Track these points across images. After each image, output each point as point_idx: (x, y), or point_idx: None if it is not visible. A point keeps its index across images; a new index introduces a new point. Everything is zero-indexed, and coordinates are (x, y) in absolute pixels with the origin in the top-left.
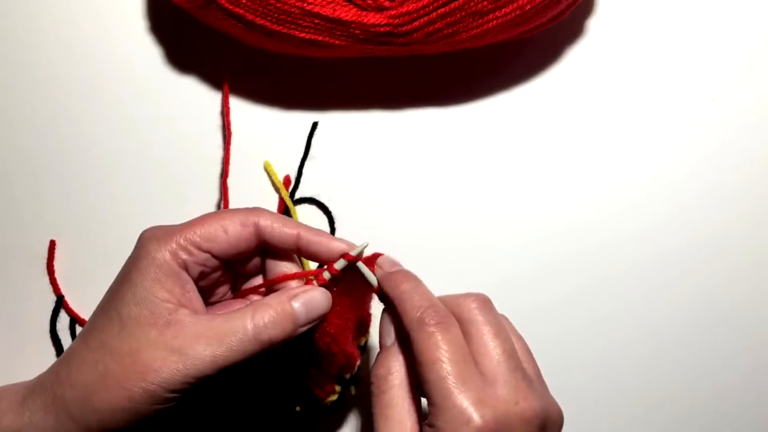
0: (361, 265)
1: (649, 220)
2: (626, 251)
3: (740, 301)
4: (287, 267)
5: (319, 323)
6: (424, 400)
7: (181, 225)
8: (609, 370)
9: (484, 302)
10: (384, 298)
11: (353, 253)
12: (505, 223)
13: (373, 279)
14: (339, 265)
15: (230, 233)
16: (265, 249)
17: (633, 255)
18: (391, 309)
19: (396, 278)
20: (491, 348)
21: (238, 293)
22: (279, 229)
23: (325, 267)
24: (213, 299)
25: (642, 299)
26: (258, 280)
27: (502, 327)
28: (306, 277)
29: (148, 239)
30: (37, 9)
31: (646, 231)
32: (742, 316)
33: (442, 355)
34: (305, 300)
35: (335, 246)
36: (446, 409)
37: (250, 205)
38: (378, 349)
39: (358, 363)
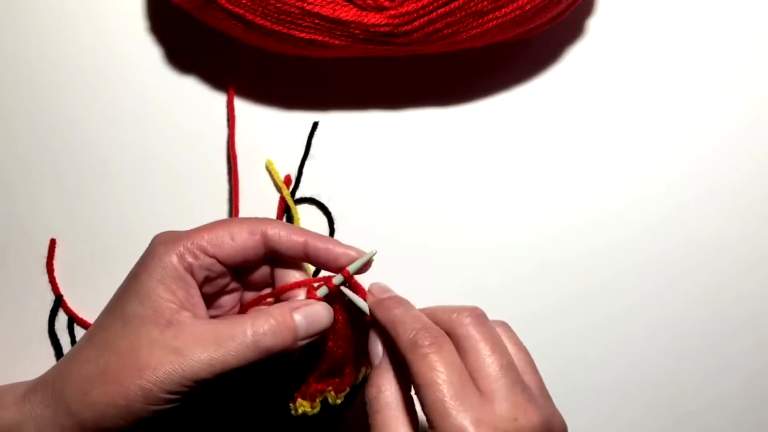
0: (350, 293)
1: (649, 220)
2: (626, 251)
3: (741, 301)
4: (296, 277)
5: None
6: (420, 415)
7: (191, 230)
8: (610, 372)
9: (478, 316)
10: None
11: (358, 263)
12: (505, 223)
13: (363, 305)
14: (337, 280)
15: (237, 240)
16: (273, 259)
17: (633, 255)
18: (380, 330)
19: (387, 304)
20: (488, 364)
21: (244, 306)
22: (287, 237)
23: (324, 281)
24: (218, 311)
25: (642, 299)
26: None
27: (498, 341)
28: (307, 287)
29: (158, 242)
30: (37, 9)
31: (646, 231)
32: (743, 316)
33: (438, 377)
34: (307, 313)
35: (342, 252)
36: (445, 430)
37: (251, 204)
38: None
39: (346, 390)
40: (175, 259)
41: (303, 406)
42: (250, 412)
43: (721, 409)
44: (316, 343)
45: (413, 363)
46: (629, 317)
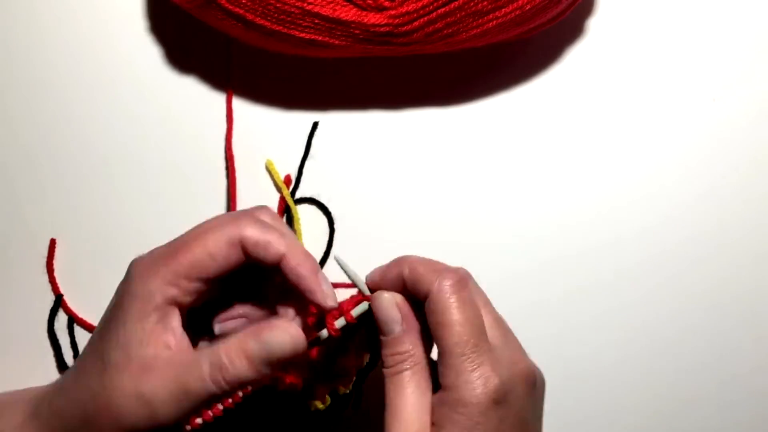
0: (349, 271)
1: (649, 219)
2: (626, 251)
3: (740, 301)
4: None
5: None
6: None
7: (166, 255)
8: (609, 368)
9: (463, 278)
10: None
11: (358, 310)
12: (505, 223)
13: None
14: (339, 323)
15: (218, 258)
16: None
17: (633, 254)
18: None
19: (397, 263)
20: (484, 315)
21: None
22: (264, 248)
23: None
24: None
25: (642, 298)
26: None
27: (487, 301)
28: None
29: (134, 275)
30: (38, 9)
31: (646, 231)
32: (741, 316)
33: (462, 318)
34: (266, 339)
35: (320, 293)
36: (464, 371)
37: (251, 204)
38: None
39: (354, 379)
40: (154, 292)
41: (315, 405)
42: (256, 412)
43: (721, 405)
44: (327, 353)
45: (439, 302)
46: (628, 315)
